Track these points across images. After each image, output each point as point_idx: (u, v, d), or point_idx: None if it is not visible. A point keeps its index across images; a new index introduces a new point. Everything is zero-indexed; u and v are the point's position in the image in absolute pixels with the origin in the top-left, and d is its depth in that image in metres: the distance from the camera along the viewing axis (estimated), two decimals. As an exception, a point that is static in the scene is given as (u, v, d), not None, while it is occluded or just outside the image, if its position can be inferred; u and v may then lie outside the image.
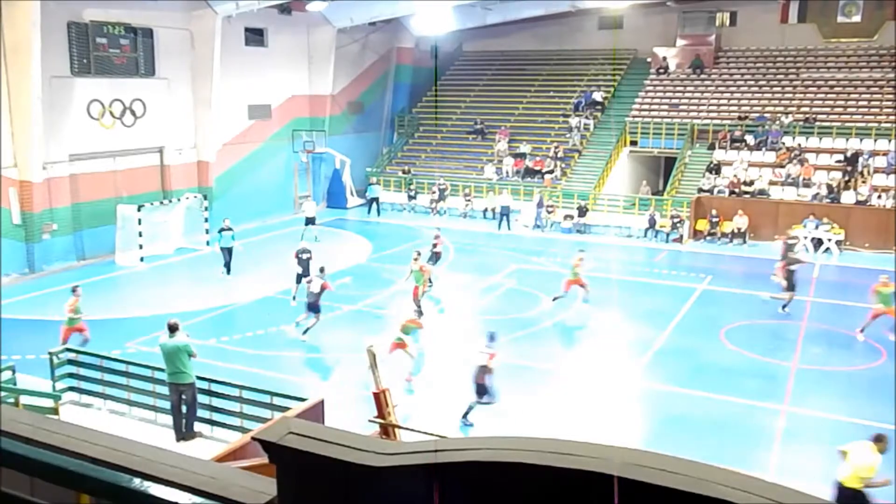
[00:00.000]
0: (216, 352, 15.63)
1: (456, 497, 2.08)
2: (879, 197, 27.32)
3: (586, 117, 35.10)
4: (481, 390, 12.56)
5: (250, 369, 14.65)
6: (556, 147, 34.01)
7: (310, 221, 26.98)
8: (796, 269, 19.09)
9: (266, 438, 2.24)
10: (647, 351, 16.32)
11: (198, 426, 11.71)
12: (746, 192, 29.16)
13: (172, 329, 11.52)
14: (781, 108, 32.76)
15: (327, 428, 2.31)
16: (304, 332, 16.69)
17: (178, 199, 26.24)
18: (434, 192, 32.92)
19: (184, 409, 11.47)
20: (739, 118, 32.87)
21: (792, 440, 12.28)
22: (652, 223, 28.43)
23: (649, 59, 37.44)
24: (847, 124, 30.96)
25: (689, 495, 1.77)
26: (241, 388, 11.53)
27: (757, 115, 32.77)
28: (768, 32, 36.04)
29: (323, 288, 16.76)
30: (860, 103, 32.01)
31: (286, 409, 10.57)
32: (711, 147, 32.03)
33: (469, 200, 32.33)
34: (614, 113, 34.59)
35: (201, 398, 11.62)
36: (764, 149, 31.02)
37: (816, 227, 26.59)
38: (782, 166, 29.94)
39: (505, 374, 13.36)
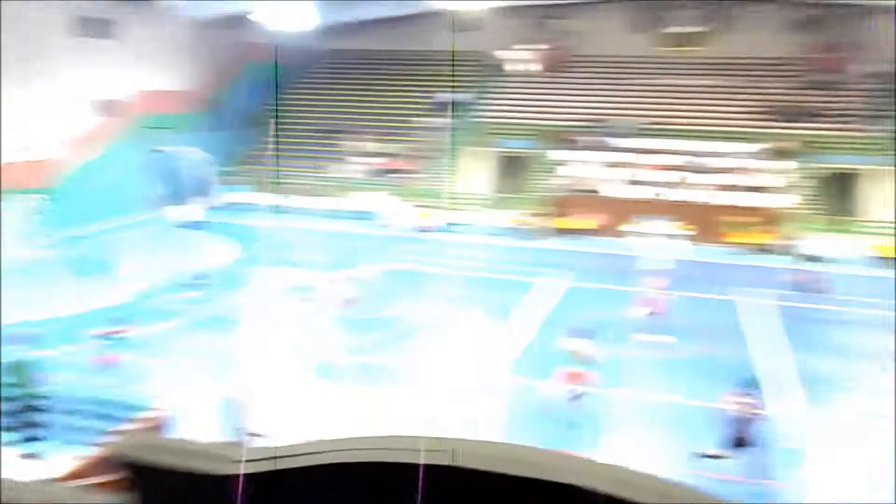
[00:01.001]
0: (60, 363, 14.76)
1: (297, 501, 2.19)
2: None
3: (444, 118, 35.77)
4: None
5: (94, 379, 13.96)
6: (413, 147, 34.44)
7: (193, 225, 25.83)
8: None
9: (113, 452, 2.23)
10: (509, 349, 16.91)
11: (41, 445, 11.09)
12: (597, 191, 30.76)
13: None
14: (626, 112, 34.78)
15: (171, 439, 2.36)
16: None
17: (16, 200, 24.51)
18: (293, 194, 32.43)
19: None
20: (590, 120, 34.60)
21: (630, 422, 13.14)
22: (512, 221, 29.42)
23: (505, 62, 38.65)
24: (683, 127, 33.37)
25: (501, 476, 1.97)
26: (87, 400, 11.02)
27: (605, 117, 34.62)
28: (614, 39, 38.19)
29: None
30: (694, 107, 34.56)
31: (132, 419, 10.21)
32: (564, 148, 33.53)
33: (321, 201, 31.97)
34: (471, 114, 35.46)
35: (45, 414, 11.00)
36: (612, 150, 32.83)
37: (658, 224, 28.45)
38: (628, 166, 31.81)
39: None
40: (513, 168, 37.47)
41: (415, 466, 1.99)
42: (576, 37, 39.00)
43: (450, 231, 29.79)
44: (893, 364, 15.18)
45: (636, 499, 2.11)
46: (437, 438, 2.14)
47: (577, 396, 12.85)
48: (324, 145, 36.28)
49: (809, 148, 31.53)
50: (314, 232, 27.42)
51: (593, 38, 38.68)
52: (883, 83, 34.02)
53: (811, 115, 32.84)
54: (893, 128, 31.45)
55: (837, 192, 31.78)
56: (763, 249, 27.20)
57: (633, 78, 36.97)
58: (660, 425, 13.25)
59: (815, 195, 30.01)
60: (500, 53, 38.78)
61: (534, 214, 29.51)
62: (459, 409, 13.73)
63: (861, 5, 32.89)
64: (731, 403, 11.76)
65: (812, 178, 30.54)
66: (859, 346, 17.84)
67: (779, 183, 30.00)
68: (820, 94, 34.06)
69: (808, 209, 28.88)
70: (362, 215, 30.66)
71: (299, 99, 38.40)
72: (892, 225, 27.63)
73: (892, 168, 30.12)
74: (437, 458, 2.02)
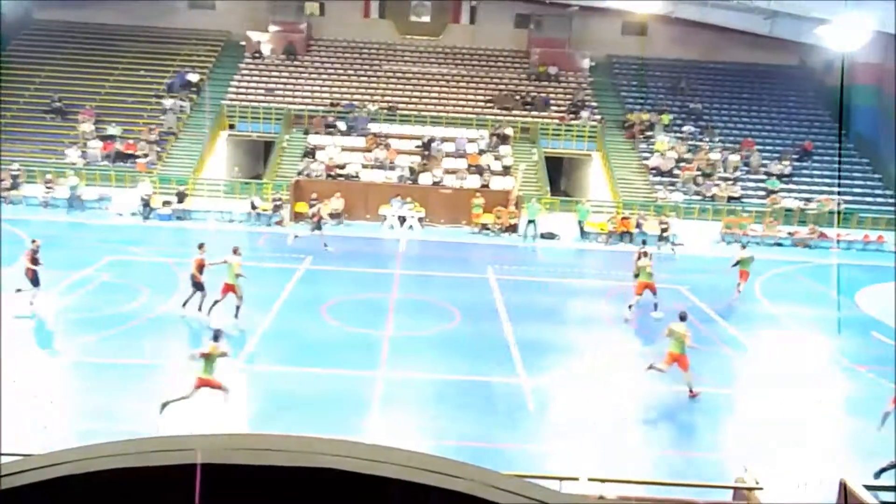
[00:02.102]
0: None
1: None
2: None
3: (181, 99, 33.83)
4: None
5: None
6: (149, 129, 32.18)
7: None
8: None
9: None
10: (252, 335, 16.48)
11: None
12: (341, 175, 30.97)
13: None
14: (368, 97, 35.36)
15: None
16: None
17: None
18: (5, 180, 28.80)
19: None
20: (331, 105, 34.66)
21: (391, 402, 13.52)
22: (253, 207, 28.65)
23: (243, 43, 37.39)
24: (423, 113, 34.65)
25: (271, 468, 1.92)
26: None
27: (347, 102, 34.89)
28: (355, 25, 38.53)
29: None
30: (432, 95, 36.03)
31: None
32: (307, 132, 33.29)
33: (51, 188, 28.93)
34: (210, 95, 33.89)
35: None
36: (354, 134, 33.20)
37: (401, 206, 29.36)
38: (370, 150, 32.38)
39: (103, 373, 12.39)
40: (255, 152, 36.51)
41: (192, 468, 1.87)
42: (319, 20, 38.77)
43: (190, 218, 28.34)
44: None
45: (391, 475, 2.15)
46: (208, 436, 2.04)
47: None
48: (46, 127, 32.54)
49: (531, 134, 34.35)
50: (34, 223, 24.58)
51: (337, 22, 38.72)
52: (593, 76, 38.06)
53: (533, 104, 35.75)
54: (600, 116, 35.31)
55: (557, 175, 35.11)
56: (504, 229, 29.19)
57: (375, 63, 37.63)
58: (427, 403, 13.71)
59: (538, 178, 32.76)
60: (242, 33, 37.41)
61: (275, 199, 29.00)
62: (205, 403, 13.15)
63: (578, 5, 36.35)
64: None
65: (534, 162, 33.29)
66: (593, 313, 19.89)
67: (506, 167, 32.31)
68: (541, 85, 37.17)
69: (534, 191, 31.47)
70: (91, 203, 28.09)
71: (11, 75, 33.94)
72: (605, 203, 31.16)
73: (601, 153, 33.90)
74: (210, 457, 1.92)
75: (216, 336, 12.26)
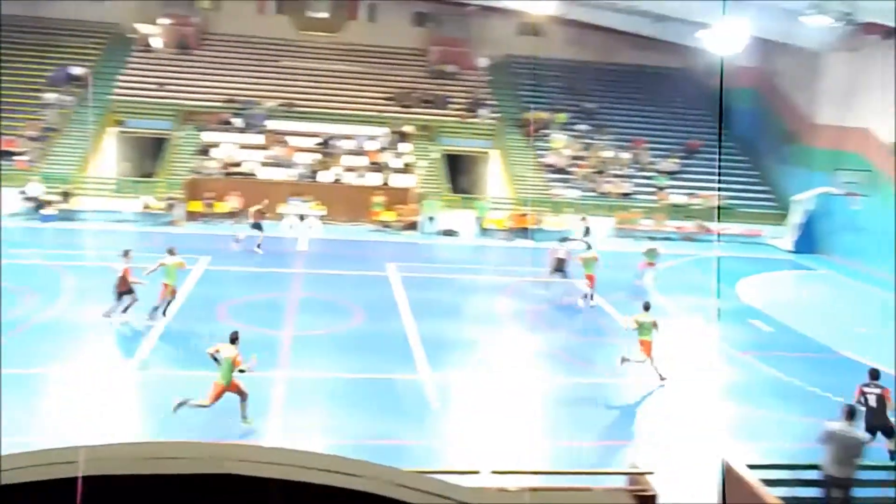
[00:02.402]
0: None
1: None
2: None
3: (65, 93, 32.17)
4: None
5: None
6: (29, 125, 30.45)
7: None
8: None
9: None
10: (144, 339, 15.93)
11: None
12: (238, 173, 30.27)
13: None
14: (265, 93, 34.66)
15: None
16: None
17: None
18: None
19: None
20: (227, 101, 33.78)
21: (292, 403, 13.36)
22: (145, 206, 27.64)
23: (133, 36, 35.92)
24: (322, 110, 34.27)
25: (157, 477, 1.91)
26: None
27: (243, 98, 34.09)
28: (250, 20, 37.67)
29: None
30: (331, 92, 35.68)
31: None
32: (201, 129, 32.33)
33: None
34: (97, 90, 32.38)
35: None
36: (251, 131, 32.50)
37: (301, 205, 28.98)
38: (268, 148, 31.79)
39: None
40: (148, 149, 35.12)
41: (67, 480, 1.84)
42: (213, 14, 37.67)
43: (76, 218, 27.04)
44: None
45: (285, 477, 2.17)
46: (90, 447, 2.00)
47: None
48: None
49: (430, 132, 34.56)
50: None
51: (231, 16, 37.73)
52: (491, 75, 38.64)
53: (432, 102, 35.98)
54: (498, 115, 35.92)
55: (456, 172, 35.49)
56: (405, 227, 29.28)
57: (272, 59, 36.91)
58: (330, 402, 13.59)
59: (437, 175, 33.03)
60: (131, 26, 35.88)
61: (169, 198, 28.07)
62: (96, 411, 12.65)
63: (476, 5, 36.82)
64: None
65: (434, 159, 33.54)
66: (493, 308, 20.22)
67: (406, 165, 32.42)
68: (440, 83, 37.43)
69: (434, 188, 31.70)
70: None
71: None
72: (503, 200, 31.75)
73: (499, 150, 34.50)
74: (92, 469, 1.89)
75: (233, 339, 12.08)
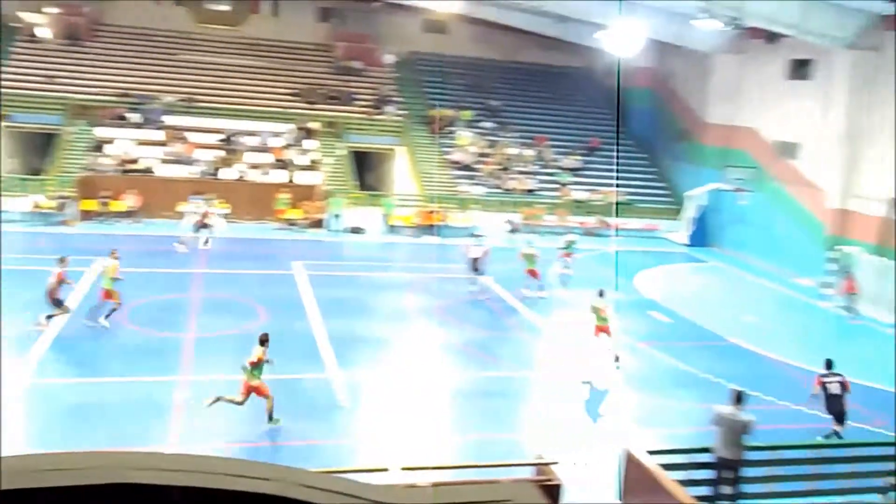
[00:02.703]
0: None
1: None
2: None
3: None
4: None
5: None
6: None
7: None
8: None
9: None
10: (32, 345, 15.13)
11: None
12: (134, 171, 29.15)
13: None
14: (162, 88, 33.49)
15: None
16: None
17: None
18: None
19: None
20: (122, 95, 32.46)
21: (195, 407, 12.98)
22: (35, 205, 26.26)
23: (18, 25, 34.00)
24: (224, 106, 33.40)
25: (47, 490, 1.85)
26: None
27: (139, 92, 32.83)
28: (146, 11, 36.30)
29: None
30: (233, 87, 34.82)
31: None
32: (94, 124, 30.95)
33: None
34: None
35: None
36: (148, 127, 31.35)
37: (203, 203, 28.17)
38: (167, 144, 30.75)
39: None
40: (37, 145, 33.33)
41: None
42: (105, 4, 36.04)
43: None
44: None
45: (188, 484, 2.14)
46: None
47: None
48: None
49: (336, 128, 34.25)
50: None
51: (126, 6, 36.21)
52: (397, 72, 38.61)
53: (338, 98, 35.66)
54: (405, 112, 35.96)
55: (363, 169, 35.34)
56: (311, 224, 28.91)
57: (170, 52, 35.69)
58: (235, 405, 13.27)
59: (344, 172, 32.78)
60: (16, 15, 33.92)
61: (60, 197, 26.75)
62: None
63: (383, 1, 36.68)
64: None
65: (340, 156, 33.27)
66: (401, 305, 20.24)
67: (312, 161, 32.03)
68: (345, 80, 37.13)
69: (340, 185, 31.44)
70: None
71: None
72: (410, 197, 31.81)
73: (406, 147, 34.56)
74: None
75: (262, 340, 12.19)
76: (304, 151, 32.34)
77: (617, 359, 16.01)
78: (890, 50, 24.03)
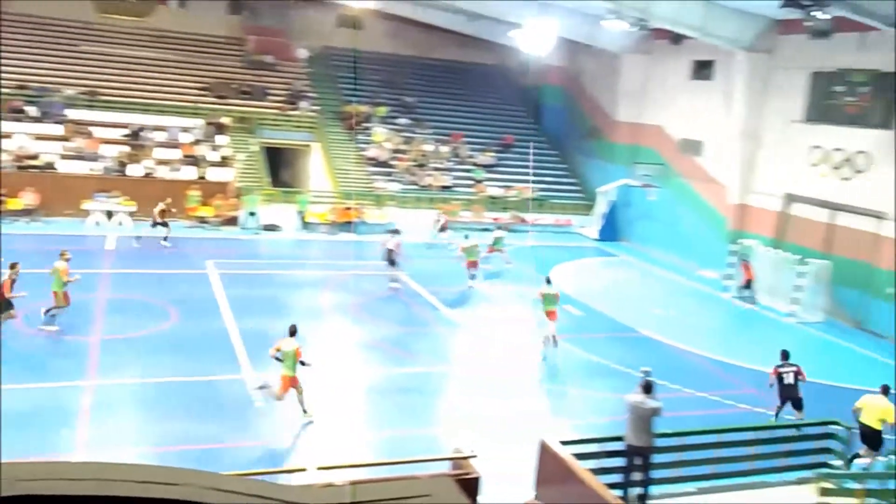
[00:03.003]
0: None
1: None
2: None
3: None
4: None
5: None
6: None
7: None
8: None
9: None
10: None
11: None
12: (33, 167, 27.78)
13: None
14: (63, 80, 32.02)
15: None
16: None
17: None
18: None
19: None
20: (18, 87, 30.85)
21: (103, 412, 12.53)
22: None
23: None
24: (129, 100, 32.19)
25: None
26: None
27: (38, 85, 31.28)
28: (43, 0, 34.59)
29: None
30: (140, 80, 33.58)
31: None
32: (-11, 117, 29.31)
33: None
34: None
35: None
36: (48, 120, 29.92)
37: (107, 201, 27.15)
38: (68, 139, 29.44)
39: None
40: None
41: None
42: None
43: None
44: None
45: (97, 493, 2.09)
46: None
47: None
48: None
49: (249, 124, 33.55)
50: None
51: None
52: (311, 67, 38.11)
53: (250, 93, 34.93)
54: (319, 107, 35.56)
55: (277, 166, 34.76)
56: (224, 222, 28.23)
57: (70, 43, 34.12)
58: (144, 409, 12.84)
59: (257, 169, 32.15)
60: None
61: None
62: None
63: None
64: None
65: (253, 152, 32.60)
66: (317, 302, 20.01)
67: (224, 158, 31.27)
68: (258, 74, 36.41)
69: (254, 182, 30.82)
70: None
71: None
72: (325, 193, 31.49)
73: (321, 143, 34.18)
74: None
75: (292, 332, 12.50)
76: (216, 147, 31.54)
77: (555, 341, 16.66)
78: (782, 52, 25.32)
